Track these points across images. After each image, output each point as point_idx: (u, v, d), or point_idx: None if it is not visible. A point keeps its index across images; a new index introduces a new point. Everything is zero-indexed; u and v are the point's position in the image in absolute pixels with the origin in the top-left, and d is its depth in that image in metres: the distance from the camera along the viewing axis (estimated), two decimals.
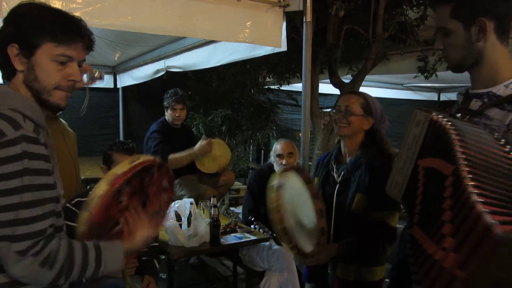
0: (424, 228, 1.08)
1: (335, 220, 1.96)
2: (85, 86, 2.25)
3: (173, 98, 3.97)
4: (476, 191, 0.90)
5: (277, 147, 3.40)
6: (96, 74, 2.30)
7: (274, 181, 1.72)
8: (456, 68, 1.34)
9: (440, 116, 1.14)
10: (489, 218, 0.83)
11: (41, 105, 1.19)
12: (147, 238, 1.36)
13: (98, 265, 1.18)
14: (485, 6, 1.23)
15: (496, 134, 1.13)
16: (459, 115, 1.24)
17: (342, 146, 2.05)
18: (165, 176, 1.45)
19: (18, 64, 1.16)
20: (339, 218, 1.94)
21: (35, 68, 1.16)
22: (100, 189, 1.25)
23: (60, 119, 2.91)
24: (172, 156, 3.76)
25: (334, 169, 2.02)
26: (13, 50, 1.15)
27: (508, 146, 1.06)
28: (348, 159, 1.99)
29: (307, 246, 1.77)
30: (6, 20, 1.17)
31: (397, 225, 1.89)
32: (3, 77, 1.23)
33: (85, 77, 2.28)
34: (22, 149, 1.06)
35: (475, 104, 1.30)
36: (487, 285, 0.85)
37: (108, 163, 2.42)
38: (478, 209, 0.86)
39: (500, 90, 1.26)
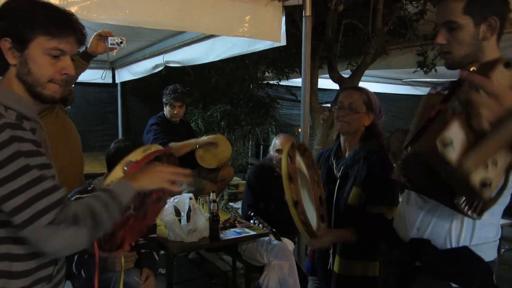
0: None
1: (335, 215, 1.96)
2: (106, 51, 2.38)
3: (172, 95, 3.97)
4: None
5: (276, 142, 3.41)
6: (117, 40, 2.37)
7: (286, 151, 1.65)
8: (456, 64, 1.34)
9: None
10: None
11: (34, 98, 1.21)
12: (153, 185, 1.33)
13: (117, 200, 1.19)
14: (497, 5, 1.27)
15: None
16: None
17: (342, 141, 2.05)
18: (172, 165, 1.49)
19: (11, 58, 1.17)
20: (337, 212, 1.95)
21: (28, 62, 1.17)
22: (116, 175, 1.31)
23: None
24: (174, 145, 3.76)
25: (334, 165, 2.03)
26: (6, 44, 1.15)
27: None
28: (347, 154, 1.99)
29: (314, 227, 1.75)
30: None
31: None
32: None
33: (107, 43, 2.38)
34: (8, 135, 1.05)
35: None
36: None
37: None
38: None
39: None
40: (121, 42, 2.40)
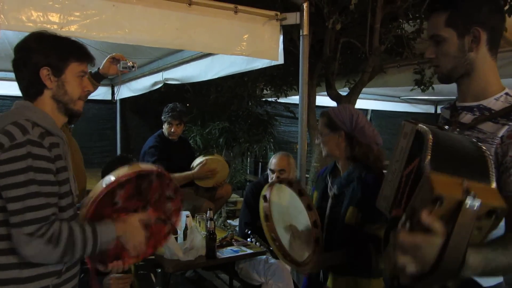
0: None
1: (327, 233, 1.96)
2: (118, 74, 2.57)
3: (170, 114, 3.99)
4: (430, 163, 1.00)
5: (272, 161, 3.38)
6: (130, 63, 2.47)
7: (263, 193, 1.83)
8: (446, 77, 1.33)
9: (425, 126, 1.14)
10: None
11: (66, 114, 1.51)
12: (141, 239, 1.51)
13: (95, 239, 1.38)
14: (480, 16, 1.24)
15: (474, 139, 1.16)
16: (447, 127, 1.25)
17: (336, 162, 2.08)
18: (168, 186, 1.58)
19: (49, 83, 1.44)
20: (331, 231, 1.95)
21: (65, 84, 1.47)
22: (97, 189, 1.44)
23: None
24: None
25: (329, 184, 2.04)
26: (44, 72, 1.43)
27: (474, 140, 1.14)
28: (342, 174, 2.01)
29: (302, 255, 1.79)
30: (29, 49, 1.44)
31: None
32: (28, 96, 1.48)
33: (119, 66, 2.52)
34: (27, 151, 1.30)
35: (465, 117, 1.30)
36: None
37: None
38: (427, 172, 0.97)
39: (490, 103, 1.26)
40: (133, 66, 2.52)
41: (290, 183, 1.92)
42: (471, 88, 1.30)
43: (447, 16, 1.26)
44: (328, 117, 1.98)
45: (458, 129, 1.25)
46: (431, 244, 0.93)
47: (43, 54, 1.44)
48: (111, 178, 1.44)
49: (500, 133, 1.19)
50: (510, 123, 1.19)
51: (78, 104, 1.52)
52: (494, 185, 1.01)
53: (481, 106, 1.28)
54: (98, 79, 2.57)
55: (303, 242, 1.82)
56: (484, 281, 1.27)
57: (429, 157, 1.01)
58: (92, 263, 1.56)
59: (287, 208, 1.84)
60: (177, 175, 3.86)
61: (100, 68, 2.56)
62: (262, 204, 1.79)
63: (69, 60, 1.47)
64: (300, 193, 1.92)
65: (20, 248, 1.30)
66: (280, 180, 1.92)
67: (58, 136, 1.41)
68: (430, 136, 1.06)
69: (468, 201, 0.90)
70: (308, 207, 1.90)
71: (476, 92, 1.30)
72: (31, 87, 1.46)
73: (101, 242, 1.39)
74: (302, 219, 1.87)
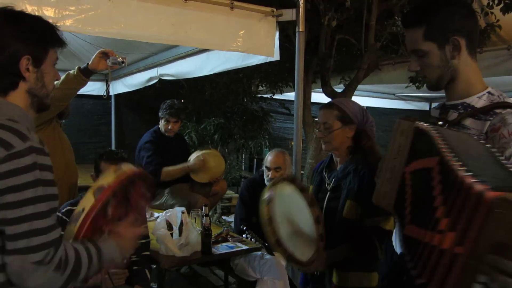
0: (418, 223, 1.08)
1: (326, 226, 1.96)
2: (108, 70, 2.48)
3: (168, 111, 3.98)
4: (463, 168, 0.90)
5: (268, 158, 3.37)
6: (119, 59, 2.43)
7: (265, 195, 1.78)
8: (434, 87, 1.39)
9: (423, 123, 1.19)
10: (479, 187, 0.82)
11: (38, 110, 1.27)
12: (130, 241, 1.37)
13: (100, 260, 1.21)
14: (455, 24, 1.29)
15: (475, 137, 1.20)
16: (440, 122, 1.30)
17: (333, 155, 2.08)
18: (144, 184, 1.45)
19: (28, 74, 1.20)
20: (330, 224, 1.95)
21: (44, 75, 1.24)
22: (88, 202, 1.25)
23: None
24: (166, 169, 3.79)
25: (326, 177, 2.04)
26: (24, 62, 1.18)
27: (483, 141, 1.14)
28: (339, 167, 2.01)
29: (306, 253, 1.79)
30: (3, 34, 1.18)
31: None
32: None
33: (108, 62, 2.44)
34: (32, 160, 1.07)
35: (452, 115, 1.36)
36: (489, 252, 0.81)
37: (97, 172, 2.45)
38: (467, 181, 0.86)
39: (473, 101, 1.33)
40: (123, 62, 2.46)
41: (292, 180, 1.90)
42: (456, 90, 1.37)
43: (424, 30, 1.31)
44: (340, 110, 1.94)
45: (446, 125, 1.30)
46: None
47: (23, 40, 1.18)
48: (102, 187, 1.29)
49: (485, 130, 1.25)
50: (491, 119, 1.25)
51: (49, 98, 1.29)
52: None
53: (464, 104, 1.34)
54: (87, 74, 2.52)
55: (306, 240, 1.82)
56: None
57: (455, 161, 0.94)
58: None
59: (288, 207, 1.83)
60: (173, 167, 3.86)
61: (90, 63, 2.52)
62: (264, 206, 1.74)
63: (49, 47, 1.24)
64: (302, 190, 1.92)
65: (21, 279, 1.08)
66: (282, 178, 1.90)
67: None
68: (436, 133, 1.08)
69: None
70: (310, 204, 1.90)
71: (461, 92, 1.36)
72: (4, 79, 1.19)
73: (105, 262, 1.25)
74: (304, 217, 1.85)
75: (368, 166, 1.89)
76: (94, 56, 2.48)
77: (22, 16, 1.22)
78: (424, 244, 0.99)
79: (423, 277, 0.96)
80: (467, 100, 1.34)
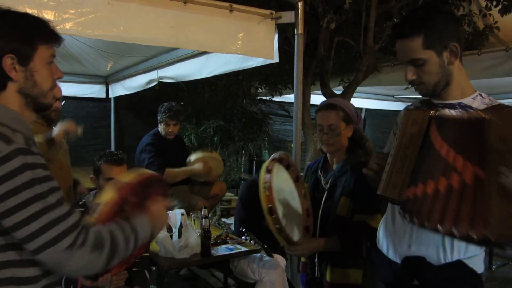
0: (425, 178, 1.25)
1: (321, 224, 1.98)
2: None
3: (167, 114, 3.98)
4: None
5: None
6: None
7: (266, 165, 1.80)
8: (431, 93, 1.43)
9: (437, 110, 1.28)
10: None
11: (35, 110, 1.22)
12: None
13: (136, 235, 1.22)
14: (450, 31, 1.35)
15: None
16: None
17: (328, 155, 2.08)
18: (161, 190, 1.49)
19: (15, 74, 1.15)
20: (325, 222, 1.97)
21: (33, 74, 1.17)
22: (108, 196, 1.30)
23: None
24: (168, 171, 3.79)
25: (322, 177, 2.06)
26: (8, 61, 1.13)
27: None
28: (335, 166, 2.03)
29: (294, 236, 1.81)
30: None
31: None
32: None
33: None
34: (20, 162, 1.05)
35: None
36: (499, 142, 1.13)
37: (97, 174, 2.44)
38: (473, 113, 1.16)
39: (469, 102, 1.40)
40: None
41: (287, 166, 1.91)
42: (449, 94, 1.42)
43: (423, 39, 1.34)
44: (343, 110, 1.96)
45: None
46: None
47: (4, 38, 1.13)
48: (123, 183, 1.34)
49: None
50: None
51: (48, 96, 1.23)
52: None
53: (462, 104, 1.39)
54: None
55: (295, 225, 1.84)
56: (477, 268, 1.40)
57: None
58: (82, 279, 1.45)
59: (283, 190, 1.84)
60: (176, 169, 3.87)
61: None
62: (263, 174, 1.75)
63: (37, 43, 1.17)
64: (297, 179, 1.93)
65: (63, 267, 1.09)
66: (279, 159, 1.90)
67: (31, 139, 1.17)
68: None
69: None
70: (303, 195, 1.92)
71: (455, 94, 1.42)
72: None
73: (141, 237, 1.26)
74: (295, 205, 1.88)
75: (363, 166, 1.91)
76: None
77: (4, 14, 1.17)
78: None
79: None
80: (464, 101, 1.40)
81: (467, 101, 1.40)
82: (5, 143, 1.05)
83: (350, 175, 1.92)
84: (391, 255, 1.53)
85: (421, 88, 1.42)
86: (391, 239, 1.53)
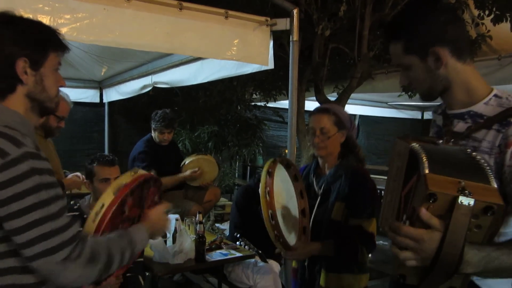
0: None
1: (314, 230, 1.98)
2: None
3: (162, 123, 3.98)
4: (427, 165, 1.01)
5: None
6: None
7: (267, 167, 1.77)
8: (427, 97, 1.34)
9: (417, 144, 1.13)
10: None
11: (42, 114, 1.27)
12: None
13: (132, 248, 1.25)
14: (434, 35, 1.24)
15: (468, 150, 1.14)
16: (441, 141, 1.23)
17: (320, 160, 2.09)
18: (158, 192, 1.53)
19: (26, 78, 1.18)
20: (319, 227, 1.97)
21: (43, 79, 1.22)
22: (108, 199, 1.30)
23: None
24: (162, 179, 3.78)
25: (314, 182, 2.06)
26: (21, 64, 1.17)
27: (469, 150, 1.13)
28: (327, 171, 2.03)
29: (291, 240, 1.81)
30: (1, 38, 1.17)
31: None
32: None
33: None
34: (29, 166, 1.06)
35: (458, 125, 1.29)
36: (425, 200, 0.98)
37: (91, 177, 2.43)
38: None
39: (481, 108, 1.24)
40: None
41: (288, 166, 1.91)
42: (455, 98, 1.29)
43: (403, 44, 1.28)
44: (335, 115, 1.96)
45: (452, 140, 1.24)
46: (430, 238, 0.99)
47: (20, 42, 1.17)
48: (121, 185, 1.34)
49: (497, 142, 1.17)
50: (503, 130, 1.17)
51: (54, 102, 1.27)
52: (494, 185, 1.00)
53: (471, 112, 1.26)
54: None
55: (292, 227, 1.84)
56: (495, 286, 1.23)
57: (426, 165, 1.02)
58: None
59: (282, 190, 1.84)
60: (169, 178, 3.87)
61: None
62: (265, 178, 1.73)
63: (49, 50, 1.22)
64: (295, 178, 1.93)
65: (56, 278, 1.10)
66: (280, 160, 1.90)
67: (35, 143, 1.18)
68: (423, 155, 1.06)
69: (462, 198, 0.94)
70: (300, 194, 1.91)
71: (462, 100, 1.28)
72: (1, 82, 1.18)
73: (138, 249, 1.28)
74: (292, 205, 1.88)
75: (357, 170, 1.94)
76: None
77: (19, 19, 1.21)
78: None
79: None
80: (474, 108, 1.25)
81: (478, 107, 1.25)
82: (16, 146, 1.07)
83: (344, 180, 1.93)
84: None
85: (418, 93, 1.37)
86: None
